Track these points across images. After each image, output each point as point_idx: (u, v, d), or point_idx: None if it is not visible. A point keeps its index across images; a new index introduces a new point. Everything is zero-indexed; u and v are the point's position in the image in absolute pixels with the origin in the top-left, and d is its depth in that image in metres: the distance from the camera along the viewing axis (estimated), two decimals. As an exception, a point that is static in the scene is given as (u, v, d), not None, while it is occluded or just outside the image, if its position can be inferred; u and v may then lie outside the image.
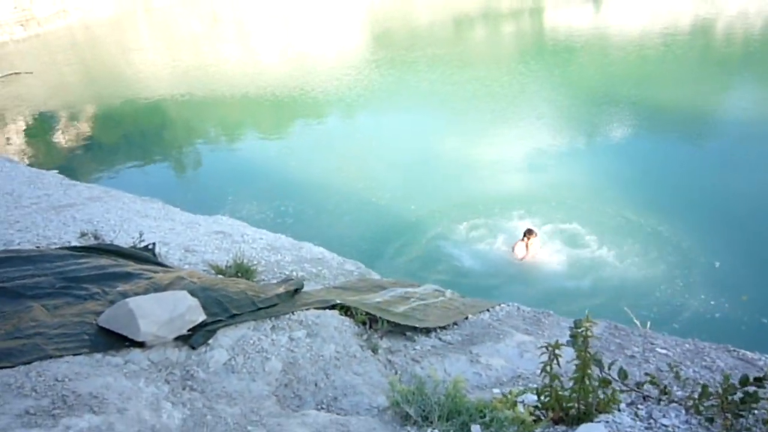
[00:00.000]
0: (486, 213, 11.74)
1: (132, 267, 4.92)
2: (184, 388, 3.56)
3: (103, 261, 4.99)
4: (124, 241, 7.04)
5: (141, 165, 16.82)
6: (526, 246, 9.75)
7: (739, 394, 2.91)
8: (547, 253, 9.86)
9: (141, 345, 3.73)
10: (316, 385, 4.04)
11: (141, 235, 6.43)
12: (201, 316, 4.06)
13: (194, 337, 3.96)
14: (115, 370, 3.43)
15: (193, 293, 4.24)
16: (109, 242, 6.62)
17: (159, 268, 5.20)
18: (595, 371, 3.14)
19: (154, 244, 6.06)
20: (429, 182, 13.69)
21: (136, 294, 4.25)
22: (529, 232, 9.73)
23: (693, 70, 23.94)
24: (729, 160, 13.66)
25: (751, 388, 2.87)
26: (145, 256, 5.64)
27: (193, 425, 3.17)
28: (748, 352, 5.12)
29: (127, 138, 20.30)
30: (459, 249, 10.33)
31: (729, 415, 2.92)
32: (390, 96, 22.64)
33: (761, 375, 2.91)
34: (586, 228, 10.51)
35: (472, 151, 15.60)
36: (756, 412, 2.93)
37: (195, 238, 8.51)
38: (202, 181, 15.39)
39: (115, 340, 3.72)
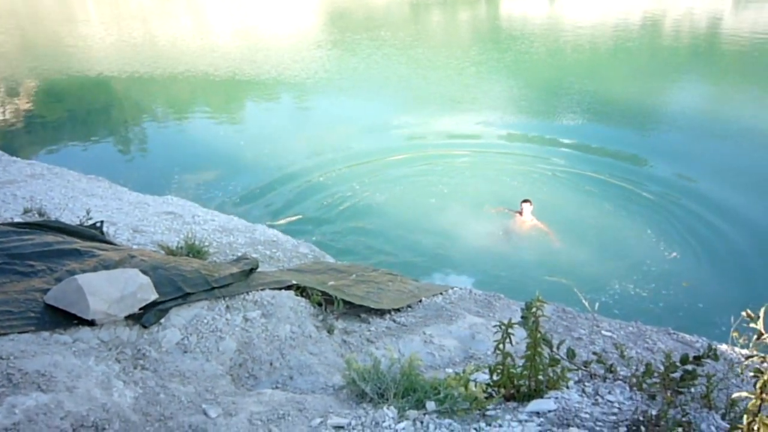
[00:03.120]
0: (436, 195, 11.90)
1: (79, 244, 4.76)
2: (135, 367, 3.48)
3: (49, 238, 4.80)
4: (69, 219, 6.78)
5: (86, 142, 16.19)
6: (521, 213, 10.34)
7: (680, 372, 3.06)
8: (541, 221, 10.35)
9: (90, 323, 3.63)
10: (271, 364, 4.03)
11: (88, 212, 6.21)
12: (153, 295, 3.98)
13: (146, 316, 3.88)
14: (63, 348, 3.32)
15: (144, 272, 4.15)
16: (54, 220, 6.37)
17: (108, 246, 5.05)
18: (545, 350, 3.24)
19: (102, 222, 5.87)
20: (378, 162, 13.76)
21: (85, 272, 4.12)
22: (526, 201, 10.31)
23: (641, 65, 24.83)
24: (677, 150, 14.18)
25: (690, 367, 3.03)
26: (93, 233, 5.46)
27: (146, 403, 3.11)
28: (686, 335, 5.39)
29: (70, 114, 19.47)
30: (412, 232, 10.39)
31: (670, 392, 3.06)
32: (341, 76, 22.82)
33: (700, 354, 3.07)
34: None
35: (419, 132, 15.90)
36: (693, 389, 3.09)
37: (144, 219, 8.29)
38: (151, 161, 14.94)
39: (63, 318, 3.60)
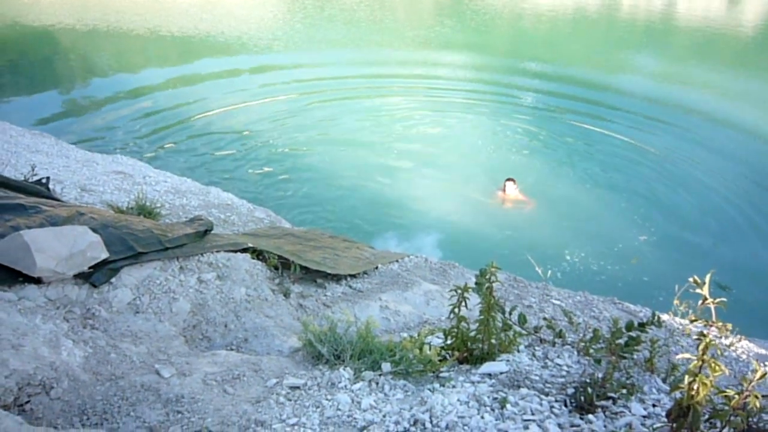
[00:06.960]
0: (390, 159, 11.95)
1: (24, 200, 4.55)
2: (85, 327, 3.39)
3: (-9, 193, 4.58)
4: (12, 176, 6.49)
5: (30, 96, 15.41)
6: (504, 190, 10.68)
7: (625, 338, 3.19)
8: (523, 196, 10.70)
9: (37, 281, 3.50)
10: (225, 326, 3.99)
11: (33, 168, 5.95)
12: (103, 254, 3.86)
13: (96, 275, 3.77)
14: (7, 306, 3.20)
15: (94, 230, 4.01)
16: (-5, 175, 6.07)
17: (55, 203, 4.85)
18: (497, 315, 3.32)
19: (48, 178, 5.63)
20: (335, 129, 13.70)
21: (30, 228, 3.96)
22: (510, 179, 10.68)
23: (599, 42, 25.32)
24: (636, 129, 14.50)
25: (635, 333, 3.15)
26: (38, 190, 5.23)
27: (96, 363, 3.04)
28: (631, 305, 5.60)
29: (12, 66, 18.43)
30: (369, 197, 10.40)
31: (615, 356, 3.19)
32: (298, 39, 22.80)
33: (644, 322, 3.20)
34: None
35: (377, 100, 15.97)
36: (636, 355, 3.23)
37: (92, 177, 8.01)
38: (100, 118, 14.34)
39: (7, 276, 3.46)
